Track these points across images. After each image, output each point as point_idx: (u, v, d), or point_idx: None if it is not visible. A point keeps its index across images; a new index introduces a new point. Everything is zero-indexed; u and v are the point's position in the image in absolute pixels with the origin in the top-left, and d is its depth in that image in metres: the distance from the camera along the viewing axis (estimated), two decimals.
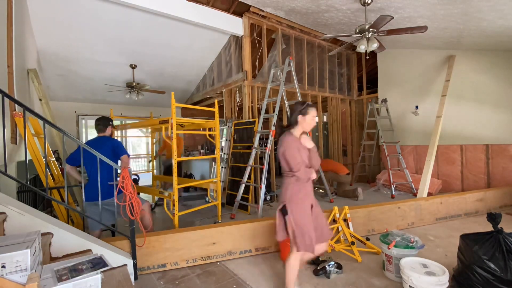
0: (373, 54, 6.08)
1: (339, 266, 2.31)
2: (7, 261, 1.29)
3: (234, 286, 2.16)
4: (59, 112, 5.71)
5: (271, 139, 4.15)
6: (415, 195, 4.83)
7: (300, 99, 4.78)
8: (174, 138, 3.01)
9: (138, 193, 3.49)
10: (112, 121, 2.79)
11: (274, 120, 4.21)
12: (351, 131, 6.67)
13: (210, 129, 4.05)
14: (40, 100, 3.57)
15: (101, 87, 5.70)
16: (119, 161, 2.55)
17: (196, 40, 4.88)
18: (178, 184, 3.14)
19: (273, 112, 4.33)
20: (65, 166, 2.52)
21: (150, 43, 4.69)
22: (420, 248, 2.20)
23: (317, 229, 1.84)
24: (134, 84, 5.51)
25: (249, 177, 4.16)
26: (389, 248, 2.16)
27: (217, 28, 4.45)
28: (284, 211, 1.82)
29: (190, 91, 6.85)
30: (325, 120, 6.84)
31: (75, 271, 1.50)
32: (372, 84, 6.70)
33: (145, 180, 6.14)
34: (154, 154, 4.85)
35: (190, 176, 6.27)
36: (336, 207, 3.01)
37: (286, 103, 4.90)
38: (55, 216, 2.61)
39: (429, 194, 4.55)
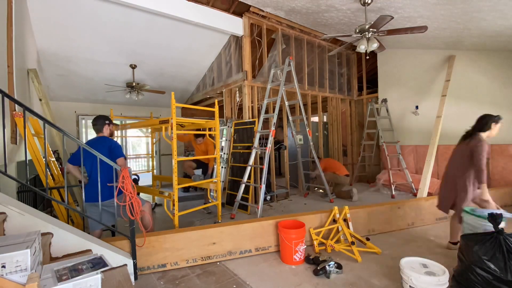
0: (373, 54, 6.08)
1: (339, 266, 2.31)
2: (7, 261, 1.29)
3: (234, 286, 2.16)
4: (59, 112, 5.72)
5: (271, 139, 4.15)
6: (415, 195, 4.84)
7: (300, 99, 4.79)
8: (174, 138, 3.02)
9: (138, 193, 3.49)
10: (108, 119, 2.73)
11: (274, 120, 4.21)
12: (351, 131, 6.67)
13: (210, 129, 4.05)
14: (40, 100, 3.57)
15: (101, 87, 5.70)
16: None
17: (196, 40, 4.88)
18: (178, 184, 3.14)
19: (273, 112, 4.34)
20: (65, 166, 2.53)
21: (150, 43, 4.69)
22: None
23: None
24: (134, 84, 5.51)
25: (249, 177, 4.16)
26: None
27: (217, 28, 4.45)
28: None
29: (190, 91, 6.85)
30: (325, 120, 6.85)
31: (75, 271, 1.50)
32: (372, 84, 6.70)
33: (145, 180, 6.15)
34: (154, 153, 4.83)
35: (190, 176, 6.27)
36: (336, 207, 3.01)
37: (286, 103, 4.91)
38: (55, 216, 2.62)
39: (429, 194, 4.55)
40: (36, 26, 3.85)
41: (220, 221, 3.65)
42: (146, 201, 2.73)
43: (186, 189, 5.74)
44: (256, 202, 4.21)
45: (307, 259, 2.51)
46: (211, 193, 4.68)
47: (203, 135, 4.33)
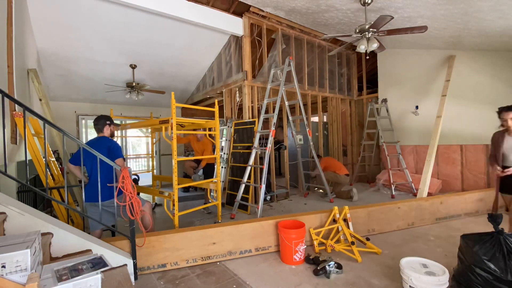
0: (373, 54, 6.08)
1: (339, 266, 2.31)
2: (7, 261, 1.29)
3: (234, 286, 2.16)
4: (59, 112, 5.71)
5: (271, 139, 4.15)
6: (415, 195, 4.83)
7: (300, 99, 4.80)
8: (174, 138, 3.02)
9: (138, 193, 3.49)
10: (109, 119, 2.72)
11: (274, 120, 4.21)
12: (351, 131, 6.67)
13: (210, 129, 4.05)
14: (40, 100, 3.57)
15: (101, 87, 5.70)
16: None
17: (196, 40, 4.88)
18: (178, 184, 3.14)
19: (273, 112, 4.34)
20: (65, 166, 2.53)
21: (150, 43, 4.69)
22: None
23: None
24: (134, 84, 5.51)
25: (249, 177, 4.16)
26: None
27: (217, 28, 4.45)
28: None
29: (190, 91, 6.85)
30: (325, 120, 6.85)
31: (75, 271, 1.50)
32: (372, 84, 6.70)
33: (145, 180, 6.16)
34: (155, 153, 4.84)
35: (190, 176, 6.27)
36: (336, 207, 3.01)
37: (286, 103, 4.91)
38: (55, 216, 2.62)
39: (429, 194, 4.55)
40: (36, 26, 3.85)
41: (220, 221, 3.65)
42: (146, 201, 2.73)
43: (186, 189, 5.74)
44: (256, 202, 4.21)
45: (307, 259, 2.51)
46: (211, 193, 4.69)
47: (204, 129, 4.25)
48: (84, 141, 4.24)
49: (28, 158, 2.24)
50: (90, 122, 6.46)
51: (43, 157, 2.71)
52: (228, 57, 5.26)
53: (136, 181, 5.57)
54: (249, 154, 4.23)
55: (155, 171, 4.87)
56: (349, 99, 6.66)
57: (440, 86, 5.12)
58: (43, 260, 1.64)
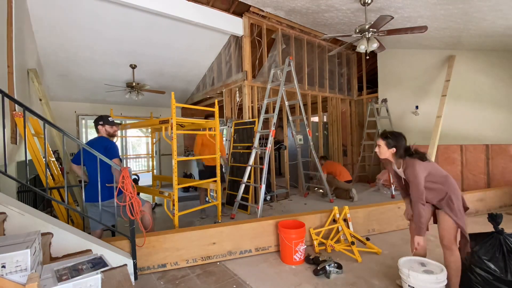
0: (373, 54, 6.08)
1: (339, 266, 2.31)
2: (7, 261, 1.29)
3: (234, 286, 2.16)
4: (59, 112, 5.71)
5: (271, 139, 4.15)
6: None
7: (300, 99, 4.80)
8: (174, 138, 3.02)
9: (138, 193, 3.49)
10: (103, 119, 2.62)
11: (274, 120, 4.21)
12: (351, 131, 6.67)
13: (210, 129, 4.04)
14: (40, 100, 3.57)
15: (101, 87, 5.70)
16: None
17: (196, 40, 4.87)
18: (178, 184, 3.14)
19: (273, 112, 4.34)
20: (65, 166, 2.53)
21: (150, 43, 4.69)
22: None
23: None
24: (134, 84, 5.51)
25: (249, 177, 4.16)
26: None
27: (217, 28, 4.45)
28: None
29: (190, 91, 6.85)
30: (325, 120, 6.85)
31: (75, 271, 1.50)
32: (372, 84, 6.70)
33: (145, 180, 6.15)
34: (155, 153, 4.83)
35: (190, 176, 6.27)
36: (336, 207, 3.01)
37: (286, 103, 4.91)
38: (55, 216, 2.62)
39: None
40: (36, 26, 3.85)
41: (220, 221, 3.65)
42: (146, 201, 2.73)
43: (186, 189, 5.74)
44: (256, 202, 4.21)
45: (307, 259, 2.51)
46: (211, 193, 4.68)
47: (212, 114, 3.86)
48: (84, 141, 4.23)
49: (28, 158, 2.24)
50: (90, 122, 6.48)
51: (43, 157, 2.71)
52: (228, 57, 5.25)
53: (136, 181, 5.57)
54: (249, 154, 4.23)
55: (155, 171, 4.87)
56: (349, 99, 6.66)
57: (440, 86, 5.12)
58: (43, 260, 1.64)
